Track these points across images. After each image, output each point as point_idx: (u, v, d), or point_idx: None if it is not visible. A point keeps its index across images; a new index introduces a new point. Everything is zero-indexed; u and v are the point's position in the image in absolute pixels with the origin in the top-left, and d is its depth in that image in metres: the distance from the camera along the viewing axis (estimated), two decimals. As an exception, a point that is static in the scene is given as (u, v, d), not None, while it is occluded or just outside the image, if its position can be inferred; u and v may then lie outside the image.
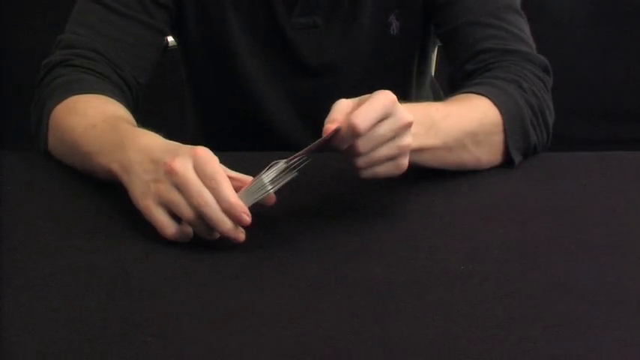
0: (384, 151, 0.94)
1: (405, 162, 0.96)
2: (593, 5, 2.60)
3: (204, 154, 0.91)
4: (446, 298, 0.84)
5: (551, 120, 1.18)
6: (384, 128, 0.93)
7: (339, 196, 0.96)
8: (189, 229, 0.92)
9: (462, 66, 1.23)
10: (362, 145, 0.93)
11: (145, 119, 1.09)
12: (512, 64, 1.19)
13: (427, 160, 1.05)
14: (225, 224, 0.90)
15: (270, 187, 0.90)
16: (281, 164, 0.90)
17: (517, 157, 1.13)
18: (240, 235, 0.91)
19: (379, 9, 1.29)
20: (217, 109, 1.41)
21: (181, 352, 0.75)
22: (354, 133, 0.91)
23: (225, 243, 0.92)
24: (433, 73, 1.50)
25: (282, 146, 1.32)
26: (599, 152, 1.23)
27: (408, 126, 0.95)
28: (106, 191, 1.05)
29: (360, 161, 0.94)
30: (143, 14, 1.24)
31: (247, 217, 0.89)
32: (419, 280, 0.88)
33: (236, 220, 0.89)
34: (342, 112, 0.93)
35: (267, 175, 0.90)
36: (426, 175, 1.09)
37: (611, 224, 1.00)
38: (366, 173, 0.95)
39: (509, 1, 1.25)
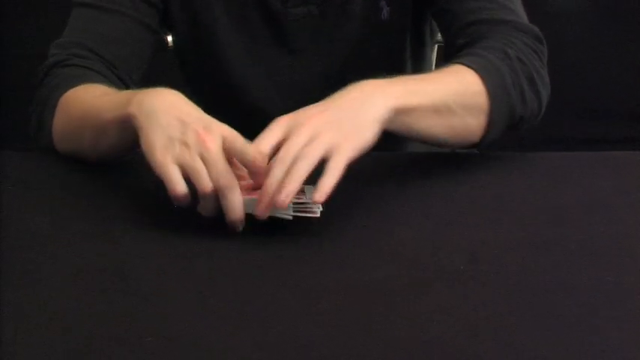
0: (312, 151, 0.92)
1: (339, 157, 0.94)
2: (593, 5, 2.60)
3: (232, 136, 0.92)
4: (446, 298, 0.84)
5: (544, 90, 1.17)
6: (291, 141, 0.93)
7: (339, 196, 0.95)
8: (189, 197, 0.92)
9: (453, 41, 1.23)
10: (279, 165, 0.91)
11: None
12: (500, 33, 1.19)
13: (416, 122, 1.03)
14: (237, 213, 0.91)
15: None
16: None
17: (502, 122, 1.11)
18: (239, 227, 0.92)
19: None
20: (213, 103, 1.41)
21: (181, 352, 0.75)
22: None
23: (223, 240, 0.92)
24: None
25: None
26: (599, 152, 1.23)
27: (304, 126, 0.94)
28: (106, 191, 1.05)
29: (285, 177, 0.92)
30: (131, 9, 1.26)
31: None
32: (419, 280, 0.88)
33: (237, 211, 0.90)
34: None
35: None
36: (426, 175, 1.09)
37: (611, 224, 1.00)
38: (325, 180, 0.93)
39: None
